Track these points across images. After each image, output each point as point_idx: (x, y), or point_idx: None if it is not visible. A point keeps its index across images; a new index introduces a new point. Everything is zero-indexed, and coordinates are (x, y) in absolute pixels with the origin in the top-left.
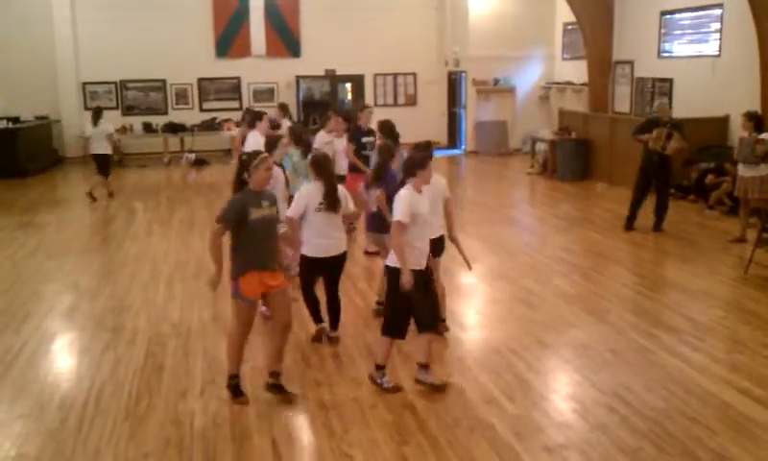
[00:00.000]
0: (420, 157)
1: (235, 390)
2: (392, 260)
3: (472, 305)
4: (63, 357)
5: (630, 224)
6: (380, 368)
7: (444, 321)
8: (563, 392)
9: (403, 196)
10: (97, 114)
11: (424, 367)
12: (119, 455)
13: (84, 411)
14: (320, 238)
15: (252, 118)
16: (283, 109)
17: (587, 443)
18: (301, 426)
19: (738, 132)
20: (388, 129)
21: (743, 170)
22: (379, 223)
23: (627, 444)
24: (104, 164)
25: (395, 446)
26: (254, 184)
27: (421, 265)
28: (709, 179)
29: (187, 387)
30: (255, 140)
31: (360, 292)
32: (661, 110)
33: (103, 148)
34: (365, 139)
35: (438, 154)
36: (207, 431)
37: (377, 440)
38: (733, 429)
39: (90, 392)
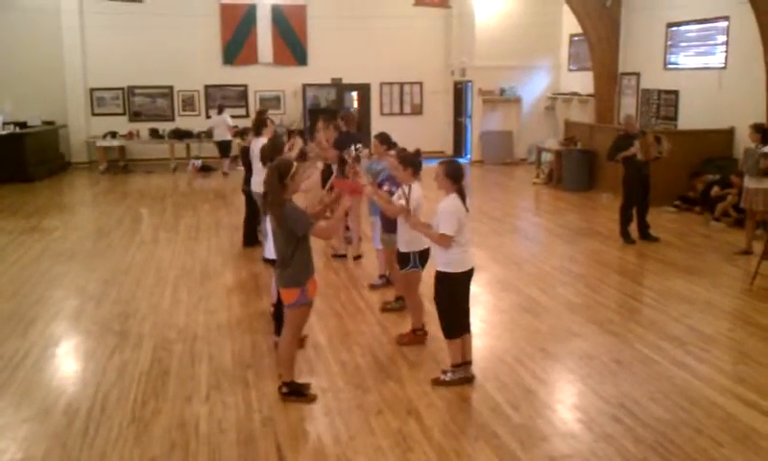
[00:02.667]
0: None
1: (298, 392)
2: (441, 265)
3: (477, 314)
4: (69, 362)
5: (630, 237)
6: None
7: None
8: (567, 402)
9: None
10: (221, 108)
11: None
12: (124, 459)
13: (89, 415)
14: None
15: (257, 126)
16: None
17: (591, 453)
18: (307, 433)
19: (744, 143)
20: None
21: (749, 182)
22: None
23: (632, 454)
24: (225, 148)
25: (400, 453)
26: (292, 193)
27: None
28: (715, 191)
29: (193, 392)
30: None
31: (365, 299)
32: (630, 124)
33: (222, 135)
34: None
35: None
36: (213, 436)
37: (383, 447)
38: (739, 441)
39: (96, 396)
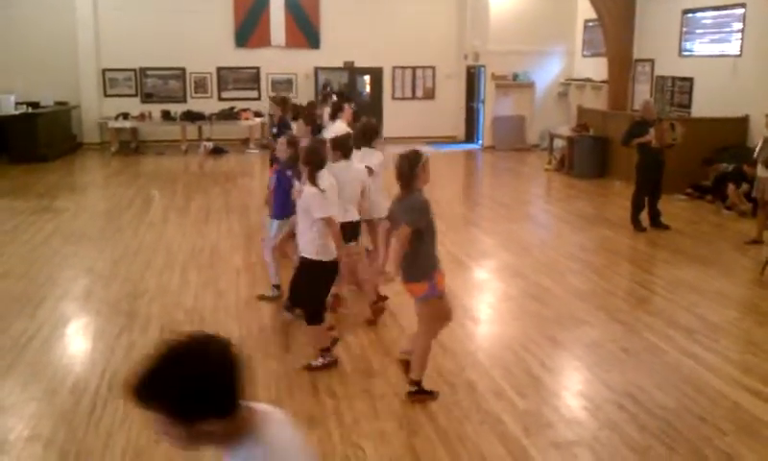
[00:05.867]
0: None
1: (424, 392)
2: (312, 253)
3: (485, 300)
4: (77, 341)
5: (641, 224)
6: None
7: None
8: (573, 389)
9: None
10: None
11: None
12: (131, 440)
13: (96, 395)
14: None
15: (334, 109)
16: (284, 103)
17: (596, 440)
18: (311, 417)
19: (760, 131)
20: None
21: (762, 171)
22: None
23: (636, 442)
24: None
25: (404, 437)
26: (422, 183)
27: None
28: (731, 189)
29: None
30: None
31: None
32: (648, 110)
33: None
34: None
35: (455, 148)
36: None
37: (387, 431)
38: (743, 431)
39: (103, 376)
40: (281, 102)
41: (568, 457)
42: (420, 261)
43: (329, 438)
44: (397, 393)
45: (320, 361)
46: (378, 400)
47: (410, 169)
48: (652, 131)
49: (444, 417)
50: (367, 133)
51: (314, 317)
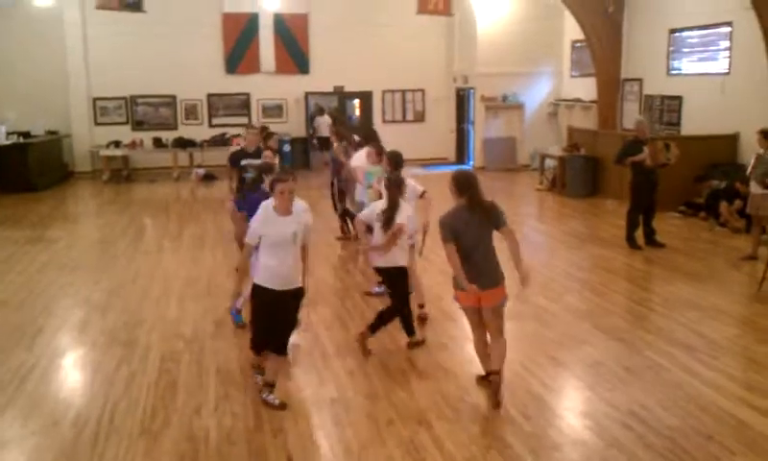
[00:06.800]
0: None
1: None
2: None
3: None
4: (76, 373)
5: (636, 243)
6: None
7: None
8: (577, 409)
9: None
10: (321, 110)
11: (270, 386)
12: None
13: (98, 427)
14: None
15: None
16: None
17: (602, 460)
18: (317, 443)
19: (749, 149)
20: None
21: (755, 188)
22: None
23: None
24: (325, 143)
25: None
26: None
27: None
28: (723, 206)
29: (201, 403)
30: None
31: (371, 306)
32: (641, 129)
33: (325, 132)
34: (245, 161)
35: (446, 169)
36: (222, 447)
37: (394, 457)
38: (751, 449)
39: (104, 408)
40: (263, 130)
41: None
42: (498, 264)
43: None
44: (404, 419)
45: (271, 396)
46: (384, 426)
47: (476, 182)
48: (646, 150)
49: (452, 442)
50: (393, 163)
51: (286, 345)
